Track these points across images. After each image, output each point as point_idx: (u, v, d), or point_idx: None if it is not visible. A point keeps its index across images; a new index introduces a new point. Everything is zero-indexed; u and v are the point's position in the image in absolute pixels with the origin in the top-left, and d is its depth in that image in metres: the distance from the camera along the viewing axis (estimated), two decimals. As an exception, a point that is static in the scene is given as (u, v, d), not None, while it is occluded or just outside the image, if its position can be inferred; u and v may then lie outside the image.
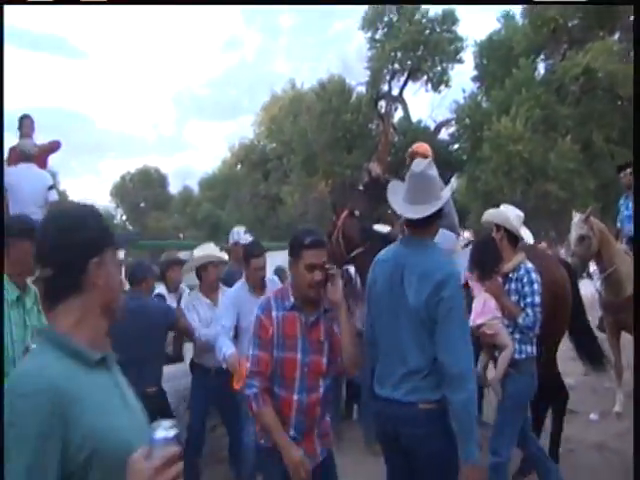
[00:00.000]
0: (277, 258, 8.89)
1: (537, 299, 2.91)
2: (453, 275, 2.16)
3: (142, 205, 38.30)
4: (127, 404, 1.19)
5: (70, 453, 1.02)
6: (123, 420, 1.13)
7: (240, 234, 4.36)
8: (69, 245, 1.15)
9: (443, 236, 3.93)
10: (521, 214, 3.27)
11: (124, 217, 39.76)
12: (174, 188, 38.74)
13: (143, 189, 37.89)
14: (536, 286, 2.92)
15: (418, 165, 2.30)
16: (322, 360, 2.26)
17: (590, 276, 5.28)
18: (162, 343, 3.60)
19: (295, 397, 2.24)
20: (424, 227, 2.25)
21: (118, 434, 1.08)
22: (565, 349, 4.05)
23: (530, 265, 3.02)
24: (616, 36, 18.24)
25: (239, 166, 30.08)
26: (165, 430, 0.98)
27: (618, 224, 5.65)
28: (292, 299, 2.27)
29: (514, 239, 3.15)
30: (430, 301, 2.08)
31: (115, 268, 1.23)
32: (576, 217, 4.84)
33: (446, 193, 2.31)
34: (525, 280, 2.95)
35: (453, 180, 2.39)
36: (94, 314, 1.17)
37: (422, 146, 4.66)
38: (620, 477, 2.86)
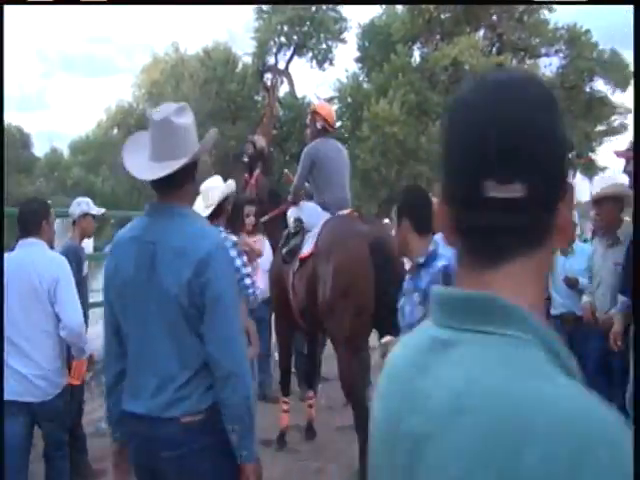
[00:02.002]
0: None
1: None
2: (220, 248, 1.75)
3: (1, 167, 34.68)
4: None
5: None
6: None
7: (89, 204, 3.84)
8: None
9: (312, 211, 3.87)
10: None
11: (-21, 179, 35.68)
12: (39, 150, 35.41)
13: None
14: None
15: (161, 111, 1.74)
16: None
17: None
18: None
19: None
20: (173, 190, 1.75)
21: None
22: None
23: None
24: (481, 32, 20.03)
25: (115, 130, 28.38)
26: None
27: None
28: None
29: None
30: (193, 284, 1.64)
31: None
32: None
33: (201, 147, 1.83)
34: None
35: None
36: None
37: (325, 107, 4.18)
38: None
